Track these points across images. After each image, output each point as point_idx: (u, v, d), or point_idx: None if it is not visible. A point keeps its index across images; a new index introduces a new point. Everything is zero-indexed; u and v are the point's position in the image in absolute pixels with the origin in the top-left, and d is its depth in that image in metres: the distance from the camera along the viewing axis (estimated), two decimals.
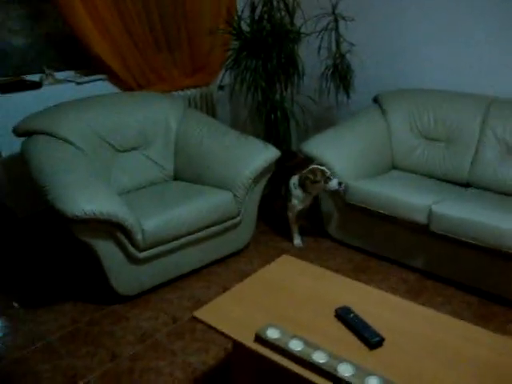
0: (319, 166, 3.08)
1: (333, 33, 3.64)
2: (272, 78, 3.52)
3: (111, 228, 2.51)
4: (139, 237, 2.61)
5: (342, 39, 3.66)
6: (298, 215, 3.34)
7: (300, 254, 3.29)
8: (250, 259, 3.22)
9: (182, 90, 4.10)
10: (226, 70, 3.56)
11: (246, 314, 1.86)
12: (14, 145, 3.07)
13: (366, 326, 1.74)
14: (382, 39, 3.74)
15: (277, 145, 3.37)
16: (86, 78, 3.62)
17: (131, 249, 2.62)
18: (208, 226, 2.93)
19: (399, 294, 2.83)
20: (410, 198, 2.89)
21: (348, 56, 3.70)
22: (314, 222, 3.66)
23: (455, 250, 2.79)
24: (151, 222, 2.66)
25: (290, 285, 2.05)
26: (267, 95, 3.51)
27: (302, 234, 3.45)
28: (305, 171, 3.13)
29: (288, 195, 3.27)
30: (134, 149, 3.26)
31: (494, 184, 3.09)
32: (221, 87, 4.03)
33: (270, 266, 2.18)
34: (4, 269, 3.14)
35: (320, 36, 3.65)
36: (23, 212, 3.45)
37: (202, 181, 3.18)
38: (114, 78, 3.72)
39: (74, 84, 3.56)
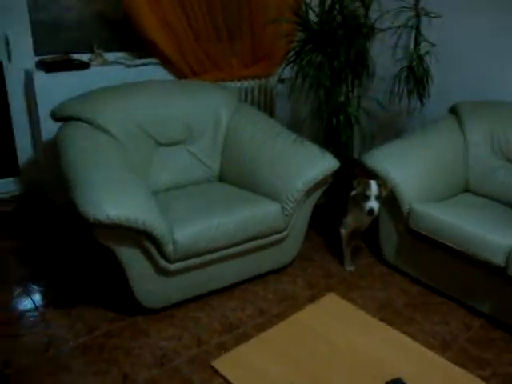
0: (371, 181, 2.64)
1: (412, 30, 3.22)
2: (338, 77, 3.15)
3: (138, 236, 2.23)
4: (169, 248, 2.32)
5: (422, 38, 3.23)
6: (352, 234, 2.97)
7: (350, 279, 2.93)
8: (293, 279, 2.88)
9: (239, 80, 3.79)
10: (287, 64, 3.22)
11: (271, 372, 1.54)
12: (56, 128, 2.81)
13: None
14: (470, 41, 3.26)
15: (337, 152, 3.00)
16: (137, 61, 3.37)
17: (160, 260, 2.34)
18: (249, 240, 2.61)
19: (459, 342, 2.43)
20: (486, 234, 2.45)
21: (427, 58, 3.26)
22: (370, 243, 3.27)
23: None
24: (185, 232, 2.36)
25: (330, 337, 1.71)
26: (331, 96, 3.14)
27: (355, 254, 3.09)
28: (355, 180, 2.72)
29: (345, 209, 2.91)
30: (178, 143, 2.98)
31: None
32: (281, 80, 3.69)
33: (311, 307, 1.85)
34: (33, 260, 2.95)
35: (397, 33, 3.24)
36: (61, 199, 3.24)
37: (248, 186, 2.86)
38: (167, 63, 3.45)
39: (123, 66, 3.32)
